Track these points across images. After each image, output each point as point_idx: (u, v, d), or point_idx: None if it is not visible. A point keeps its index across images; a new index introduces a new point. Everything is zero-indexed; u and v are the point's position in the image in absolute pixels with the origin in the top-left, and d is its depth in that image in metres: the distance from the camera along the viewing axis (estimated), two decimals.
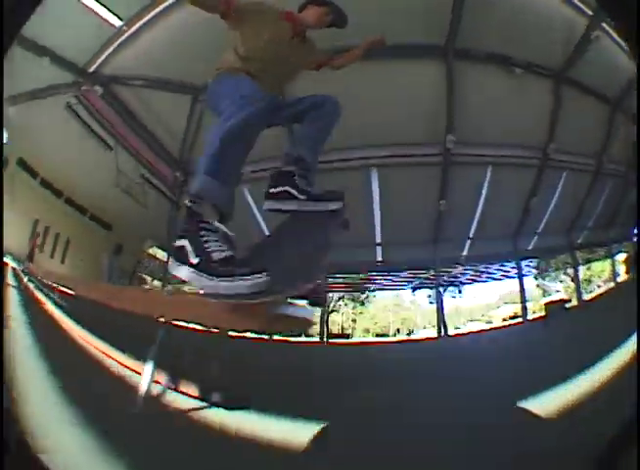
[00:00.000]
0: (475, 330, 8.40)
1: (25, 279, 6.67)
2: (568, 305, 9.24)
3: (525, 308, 7.99)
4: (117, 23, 6.74)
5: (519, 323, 7.70)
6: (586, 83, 7.61)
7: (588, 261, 8.74)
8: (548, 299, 9.53)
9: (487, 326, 8.48)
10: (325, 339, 9.30)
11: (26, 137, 7.78)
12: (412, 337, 8.89)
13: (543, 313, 9.27)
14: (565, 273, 8.77)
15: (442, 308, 8.85)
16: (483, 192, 8.47)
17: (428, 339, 8.31)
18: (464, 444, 2.37)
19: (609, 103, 7.69)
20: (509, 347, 6.43)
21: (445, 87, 7.65)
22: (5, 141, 8.03)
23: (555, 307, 9.73)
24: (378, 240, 9.32)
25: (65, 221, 8.26)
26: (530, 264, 8.80)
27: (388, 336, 9.63)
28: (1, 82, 1.98)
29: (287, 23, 3.25)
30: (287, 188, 2.64)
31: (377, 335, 9.90)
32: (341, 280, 10.57)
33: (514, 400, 3.01)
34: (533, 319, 7.87)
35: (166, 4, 6.55)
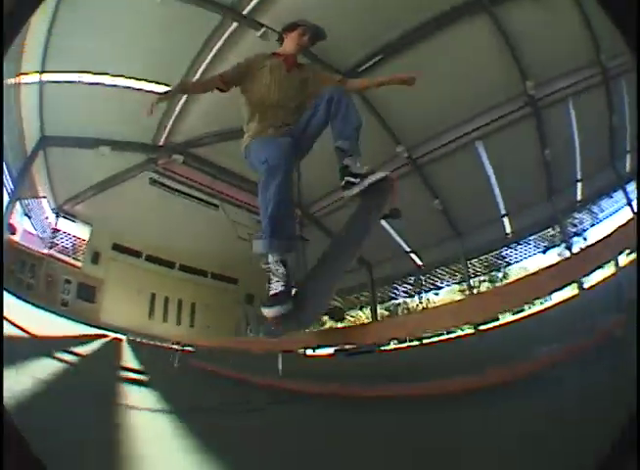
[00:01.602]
0: None
1: None
2: None
3: None
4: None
5: None
6: None
7: None
8: None
9: None
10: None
11: (111, 223, 8.54)
12: None
13: None
14: None
15: None
16: (574, 129, 8.24)
17: None
18: None
19: None
20: None
21: (497, 39, 7.41)
22: (88, 236, 8.92)
23: None
24: (502, 212, 9.42)
25: (184, 287, 8.85)
26: None
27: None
28: (1, 82, 2.08)
29: (276, 60, 3.47)
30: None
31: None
32: (477, 262, 10.58)
33: None
34: None
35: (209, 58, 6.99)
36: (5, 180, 5.81)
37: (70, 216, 8.05)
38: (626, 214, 7.41)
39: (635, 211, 6.32)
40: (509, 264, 11.01)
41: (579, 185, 8.84)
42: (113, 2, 6.29)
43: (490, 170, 8.74)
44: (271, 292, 2.87)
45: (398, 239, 9.76)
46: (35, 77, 6.28)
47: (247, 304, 9.53)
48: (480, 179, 8.85)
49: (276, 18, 6.54)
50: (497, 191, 9.02)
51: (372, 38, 7.42)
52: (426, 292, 11.87)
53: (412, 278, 11.11)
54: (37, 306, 6.11)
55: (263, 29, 6.84)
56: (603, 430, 1.12)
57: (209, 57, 7.06)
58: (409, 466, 1.95)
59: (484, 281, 9.89)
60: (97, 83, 6.83)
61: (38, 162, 7.03)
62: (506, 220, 9.62)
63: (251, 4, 6.73)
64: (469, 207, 9.54)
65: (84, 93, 6.85)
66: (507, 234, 9.86)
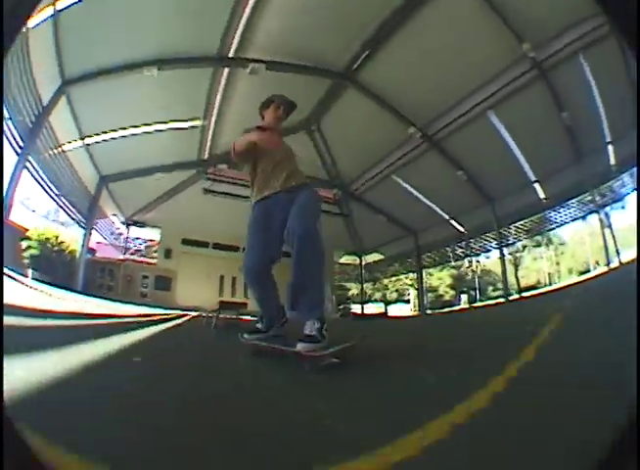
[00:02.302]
0: None
1: None
2: None
3: None
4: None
5: None
6: None
7: None
8: None
9: None
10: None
11: (178, 223, 10.02)
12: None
13: None
14: None
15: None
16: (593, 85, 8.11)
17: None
18: None
19: None
20: None
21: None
22: (159, 237, 10.57)
23: None
24: (532, 178, 9.68)
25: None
26: None
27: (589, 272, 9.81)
28: (1, 82, 1.99)
29: (264, 132, 4.02)
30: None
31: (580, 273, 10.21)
32: (519, 227, 11.20)
33: None
34: None
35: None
36: (74, 214, 7.51)
37: (140, 224, 9.65)
38: None
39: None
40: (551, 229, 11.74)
41: (611, 147, 8.83)
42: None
43: (508, 138, 8.99)
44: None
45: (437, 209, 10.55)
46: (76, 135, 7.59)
47: None
48: (501, 147, 9.15)
49: (260, 48, 7.28)
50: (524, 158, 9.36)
51: (364, 25, 7.44)
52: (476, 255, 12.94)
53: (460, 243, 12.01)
54: (119, 301, 7.64)
55: (251, 65, 7.37)
56: (603, 430, 0.92)
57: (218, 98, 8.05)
58: None
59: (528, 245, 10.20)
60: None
61: (104, 194, 8.50)
62: (538, 187, 10.05)
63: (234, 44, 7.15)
64: (498, 175, 9.85)
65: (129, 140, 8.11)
66: (542, 199, 10.33)
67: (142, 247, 9.76)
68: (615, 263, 9.62)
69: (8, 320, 3.12)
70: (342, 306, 13.17)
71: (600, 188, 10.02)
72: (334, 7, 7.03)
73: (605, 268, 9.73)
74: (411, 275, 13.85)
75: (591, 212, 10.34)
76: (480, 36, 7.51)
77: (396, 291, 16.48)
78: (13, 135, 5.80)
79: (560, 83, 8.19)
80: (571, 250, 13.54)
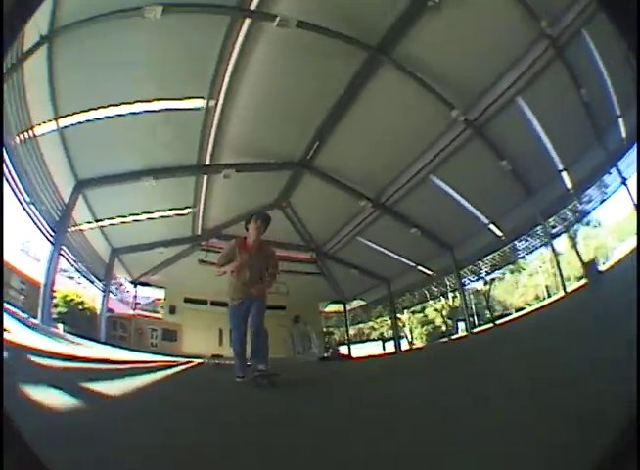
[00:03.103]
0: None
1: None
2: None
3: None
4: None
5: None
6: None
7: None
8: None
9: None
10: None
11: (180, 284, 11.78)
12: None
13: None
14: None
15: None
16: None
17: None
18: None
19: None
20: None
21: None
22: (164, 295, 12.02)
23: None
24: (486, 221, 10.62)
25: None
26: None
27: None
28: (1, 82, 2.09)
29: (244, 252, 5.66)
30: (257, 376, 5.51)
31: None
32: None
33: None
34: None
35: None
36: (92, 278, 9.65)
37: (146, 284, 11.39)
38: None
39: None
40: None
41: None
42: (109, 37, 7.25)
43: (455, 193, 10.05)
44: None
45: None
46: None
47: (294, 323, 12.69)
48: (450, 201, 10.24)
49: (231, 152, 8.70)
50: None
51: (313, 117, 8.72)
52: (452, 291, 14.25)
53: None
54: (130, 349, 9.53)
55: (278, 18, 7.22)
56: (602, 430, 1.18)
57: (231, 65, 7.86)
58: None
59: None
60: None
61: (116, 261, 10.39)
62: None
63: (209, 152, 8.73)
64: (451, 225, 11.32)
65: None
66: (499, 237, 11.39)
67: (149, 304, 11.63)
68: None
69: (49, 363, 4.78)
70: (330, 349, 14.64)
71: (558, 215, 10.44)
72: (285, 109, 8.68)
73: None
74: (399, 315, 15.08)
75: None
76: (413, 113, 8.73)
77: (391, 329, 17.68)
78: (46, 227, 7.92)
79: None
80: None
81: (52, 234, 7.86)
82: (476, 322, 13.38)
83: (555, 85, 8.48)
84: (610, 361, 2.42)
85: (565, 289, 10.01)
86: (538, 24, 7.81)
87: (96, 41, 7.01)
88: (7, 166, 6.40)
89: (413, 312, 15.35)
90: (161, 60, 7.58)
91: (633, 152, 7.91)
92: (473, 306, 13.63)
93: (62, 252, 8.19)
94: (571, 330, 5.04)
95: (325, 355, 12.78)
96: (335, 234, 12.12)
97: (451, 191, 10.30)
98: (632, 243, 6.89)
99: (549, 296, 11.25)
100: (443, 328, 15.23)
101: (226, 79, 7.86)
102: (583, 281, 9.65)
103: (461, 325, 14.24)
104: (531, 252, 11.71)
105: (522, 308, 12.10)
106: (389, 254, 12.14)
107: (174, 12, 6.93)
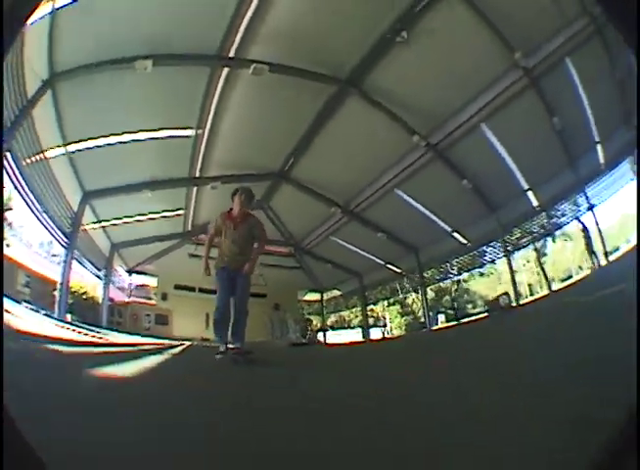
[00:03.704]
0: None
1: None
2: None
3: None
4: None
5: None
6: None
7: None
8: None
9: None
10: None
11: (170, 273, 12.94)
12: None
13: None
14: None
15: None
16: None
17: None
18: None
19: None
20: None
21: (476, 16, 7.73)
22: (156, 283, 13.45)
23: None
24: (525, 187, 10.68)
25: None
26: None
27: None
28: (1, 82, 2.26)
29: (228, 221, 5.80)
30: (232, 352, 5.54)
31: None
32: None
33: None
34: None
35: None
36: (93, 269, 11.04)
37: (140, 273, 12.75)
38: None
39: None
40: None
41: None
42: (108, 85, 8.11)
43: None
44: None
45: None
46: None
47: (275, 310, 14.18)
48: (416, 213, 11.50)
49: (264, 47, 8.39)
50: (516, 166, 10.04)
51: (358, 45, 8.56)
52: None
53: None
54: (127, 333, 10.83)
55: (253, 67, 8.36)
56: (602, 429, 1.14)
57: (214, 101, 9.08)
58: None
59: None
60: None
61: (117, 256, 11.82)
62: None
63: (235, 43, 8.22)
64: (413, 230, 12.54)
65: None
66: (463, 244, 12.69)
67: (143, 290, 13.02)
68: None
69: (61, 349, 5.35)
70: (308, 336, 15.70)
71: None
72: (263, 132, 9.86)
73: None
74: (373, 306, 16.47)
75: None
76: (476, 47, 8.42)
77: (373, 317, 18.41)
78: (59, 234, 9.33)
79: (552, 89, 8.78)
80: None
81: (66, 240, 9.28)
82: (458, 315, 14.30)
83: (525, 112, 9.23)
84: (608, 359, 2.42)
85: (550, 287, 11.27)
86: (512, 55, 8.36)
87: (97, 83, 7.92)
88: (22, 182, 7.84)
89: (389, 304, 16.54)
90: (155, 97, 8.81)
91: (618, 169, 8.65)
92: (454, 302, 14.89)
93: (74, 255, 9.56)
94: (567, 324, 5.13)
95: (296, 342, 13.84)
96: (310, 233, 13.48)
97: (414, 203, 11.58)
98: (632, 242, 7.20)
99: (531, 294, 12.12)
100: (422, 320, 15.46)
101: (211, 112, 9.15)
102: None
103: (441, 317, 15.06)
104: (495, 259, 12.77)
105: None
106: (360, 252, 13.53)
107: (163, 64, 7.94)
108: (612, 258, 9.02)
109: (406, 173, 10.84)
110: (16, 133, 7.35)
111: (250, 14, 7.47)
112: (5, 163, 6.91)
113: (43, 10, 6.78)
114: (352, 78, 8.98)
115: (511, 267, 12.03)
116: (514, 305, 10.87)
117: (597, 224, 9.62)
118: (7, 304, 6.33)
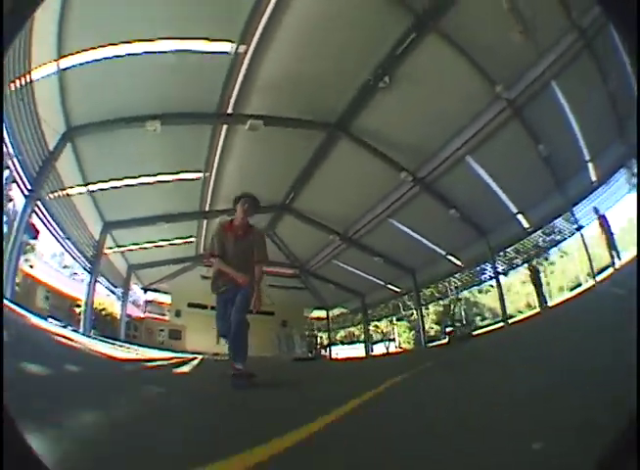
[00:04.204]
0: None
1: None
2: None
3: None
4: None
5: None
6: None
7: None
8: None
9: None
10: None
11: (184, 291, 13.98)
12: None
13: None
14: None
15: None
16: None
17: None
18: None
19: None
20: None
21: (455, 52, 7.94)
22: (170, 300, 14.74)
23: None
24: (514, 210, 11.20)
25: None
26: None
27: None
28: (1, 82, 2.25)
29: (229, 233, 5.14)
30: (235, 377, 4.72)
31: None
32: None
33: None
34: None
35: None
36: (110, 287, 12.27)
37: (155, 290, 13.99)
38: None
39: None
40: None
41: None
42: None
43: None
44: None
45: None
46: None
47: (282, 327, 15.28)
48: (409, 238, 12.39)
49: (259, 100, 9.08)
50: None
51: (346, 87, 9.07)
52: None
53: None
54: (141, 346, 11.93)
55: (249, 122, 9.08)
56: (602, 430, 1.17)
57: (218, 151, 9.98)
58: None
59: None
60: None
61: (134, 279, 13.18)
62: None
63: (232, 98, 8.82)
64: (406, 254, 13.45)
65: None
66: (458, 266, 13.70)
67: (157, 308, 14.15)
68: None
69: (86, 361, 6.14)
70: (314, 351, 16.63)
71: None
72: (264, 173, 10.81)
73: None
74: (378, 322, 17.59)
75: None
76: (458, 82, 8.67)
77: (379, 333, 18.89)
78: (82, 258, 10.65)
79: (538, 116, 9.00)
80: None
81: (89, 266, 10.56)
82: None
83: (512, 141, 9.52)
84: (609, 362, 2.42)
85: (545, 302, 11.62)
86: (493, 89, 8.59)
87: (113, 135, 8.85)
88: (50, 219, 9.09)
89: (397, 319, 17.34)
90: (166, 150, 10.07)
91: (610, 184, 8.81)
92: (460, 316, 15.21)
93: (98, 279, 10.85)
94: (572, 331, 5.15)
95: (299, 357, 14.77)
96: (313, 257, 14.56)
97: (407, 230, 12.48)
98: (632, 253, 7.23)
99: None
100: (432, 333, 16.05)
101: (216, 159, 10.28)
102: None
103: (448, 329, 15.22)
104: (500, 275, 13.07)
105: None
106: (361, 274, 14.55)
107: (170, 123, 8.91)
108: (609, 271, 9.21)
109: (397, 205, 11.73)
110: (43, 181, 8.47)
111: (243, 70, 8.26)
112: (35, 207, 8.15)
113: (51, 67, 7.55)
114: (341, 123, 9.76)
115: (500, 286, 12.76)
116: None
117: (602, 232, 9.64)
118: (34, 319, 7.51)
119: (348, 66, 8.60)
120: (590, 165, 9.36)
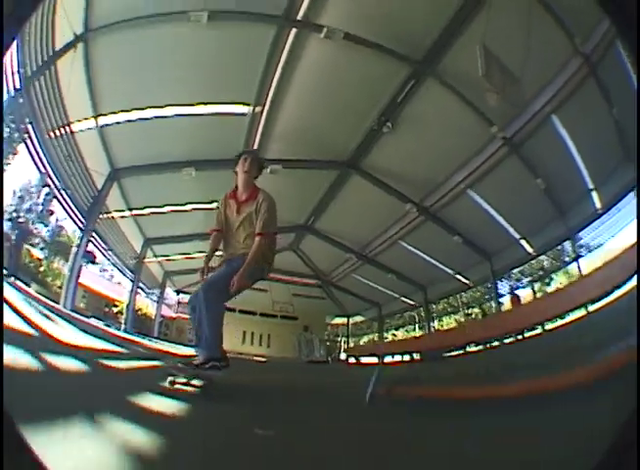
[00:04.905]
0: None
1: None
2: None
3: None
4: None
5: None
6: None
7: None
8: None
9: None
10: None
11: None
12: None
13: None
14: None
15: None
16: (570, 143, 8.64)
17: None
18: None
19: None
20: None
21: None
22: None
23: None
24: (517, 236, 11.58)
25: (262, 325, 15.32)
26: None
27: None
28: (1, 82, 2.17)
29: (231, 200, 4.74)
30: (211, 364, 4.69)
31: None
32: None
33: None
34: None
35: None
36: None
37: (187, 293, 14.65)
38: None
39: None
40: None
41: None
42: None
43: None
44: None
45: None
46: None
47: (304, 331, 16.39)
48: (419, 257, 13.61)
49: (277, 149, 10.10)
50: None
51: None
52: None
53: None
54: (172, 342, 13.17)
55: (270, 167, 9.06)
56: (603, 430, 1.22)
57: (279, 69, 8.92)
58: None
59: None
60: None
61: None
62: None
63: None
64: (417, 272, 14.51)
65: None
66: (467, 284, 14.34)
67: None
68: None
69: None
70: (332, 355, 17.62)
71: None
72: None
73: None
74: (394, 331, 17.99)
75: None
76: (458, 121, 9.29)
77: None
78: (129, 273, 12.38)
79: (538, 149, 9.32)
80: None
81: (132, 275, 12.36)
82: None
83: (512, 175, 10.03)
84: (609, 364, 2.40)
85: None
86: (489, 129, 9.06)
87: (140, 43, 8.07)
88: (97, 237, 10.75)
89: (414, 330, 17.33)
90: None
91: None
92: None
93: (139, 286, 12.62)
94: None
95: (313, 360, 15.74)
96: (334, 270, 15.86)
97: (417, 252, 13.59)
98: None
99: None
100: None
101: None
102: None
103: None
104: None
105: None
106: (377, 286, 15.80)
107: (220, 19, 7.84)
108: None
109: (406, 229, 12.93)
110: (94, 215, 10.16)
111: (262, 123, 9.55)
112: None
113: (89, 123, 8.50)
114: (351, 162, 11.16)
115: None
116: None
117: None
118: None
119: (353, 117, 9.93)
120: (594, 194, 9.32)
